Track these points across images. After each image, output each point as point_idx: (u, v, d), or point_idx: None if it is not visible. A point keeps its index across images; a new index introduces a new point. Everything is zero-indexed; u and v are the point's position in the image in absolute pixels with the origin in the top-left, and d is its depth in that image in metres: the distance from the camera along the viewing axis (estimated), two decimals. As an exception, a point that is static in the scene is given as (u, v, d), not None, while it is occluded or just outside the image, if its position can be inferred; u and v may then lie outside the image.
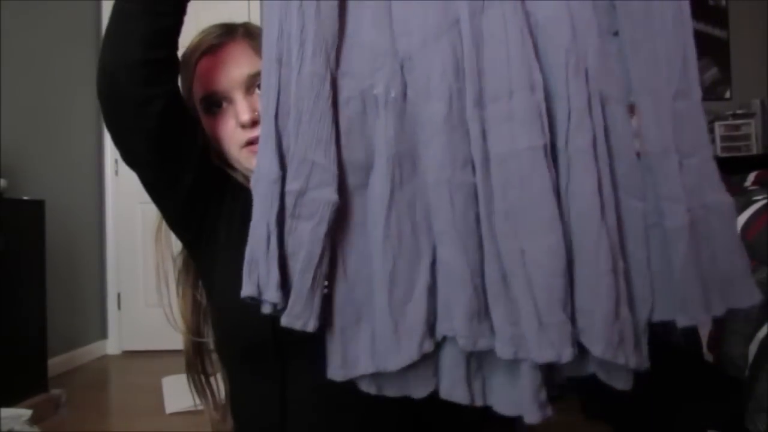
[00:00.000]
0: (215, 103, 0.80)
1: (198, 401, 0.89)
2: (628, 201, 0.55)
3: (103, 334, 3.42)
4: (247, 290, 0.55)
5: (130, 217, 3.43)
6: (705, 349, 1.01)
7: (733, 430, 0.93)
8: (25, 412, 1.81)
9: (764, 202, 1.04)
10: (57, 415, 2.25)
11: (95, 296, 3.38)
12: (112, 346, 3.43)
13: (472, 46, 0.54)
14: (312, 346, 0.67)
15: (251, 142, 0.78)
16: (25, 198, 2.39)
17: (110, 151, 3.46)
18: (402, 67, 0.56)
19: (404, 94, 0.56)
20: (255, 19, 3.41)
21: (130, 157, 0.76)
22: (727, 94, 3.40)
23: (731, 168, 2.48)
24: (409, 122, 0.57)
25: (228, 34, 0.82)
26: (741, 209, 1.07)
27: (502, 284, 0.53)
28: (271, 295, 0.55)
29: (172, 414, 2.24)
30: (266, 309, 0.57)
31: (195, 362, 0.89)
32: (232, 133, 0.79)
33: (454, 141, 0.54)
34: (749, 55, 3.37)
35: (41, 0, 2.92)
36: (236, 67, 0.79)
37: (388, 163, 0.56)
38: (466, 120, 0.54)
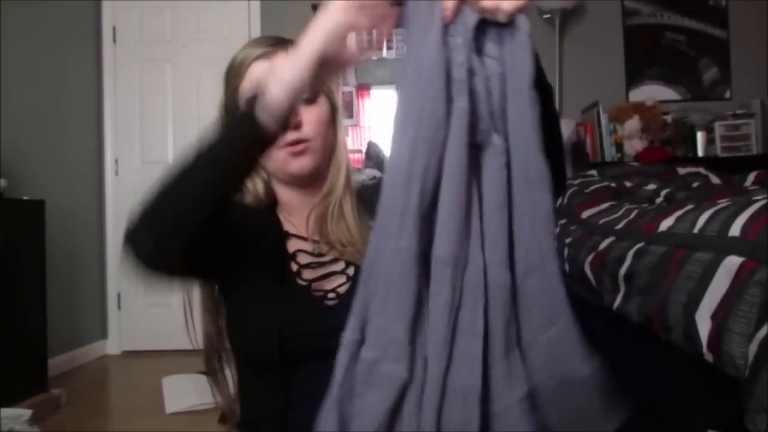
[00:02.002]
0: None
1: (218, 397, 0.92)
2: None
3: (103, 334, 3.42)
4: None
5: (130, 217, 3.43)
6: (705, 349, 1.01)
7: (733, 430, 0.93)
8: (25, 412, 1.81)
9: (764, 202, 1.04)
10: (57, 415, 2.25)
11: (95, 296, 3.38)
12: (112, 346, 3.43)
13: None
14: (316, 362, 0.72)
15: (289, 144, 0.84)
16: (25, 198, 2.39)
17: (110, 151, 3.47)
18: None
19: None
20: (255, 20, 3.41)
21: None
22: (727, 94, 3.40)
23: (731, 168, 2.49)
24: None
25: (280, 44, 0.86)
26: (741, 209, 1.07)
27: None
28: None
29: (172, 414, 2.24)
30: None
31: (212, 360, 0.91)
32: None
33: None
34: (749, 55, 3.37)
35: (41, 0, 2.93)
36: None
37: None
38: None
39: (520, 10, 0.59)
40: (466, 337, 0.57)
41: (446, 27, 0.60)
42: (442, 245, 0.58)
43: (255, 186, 0.90)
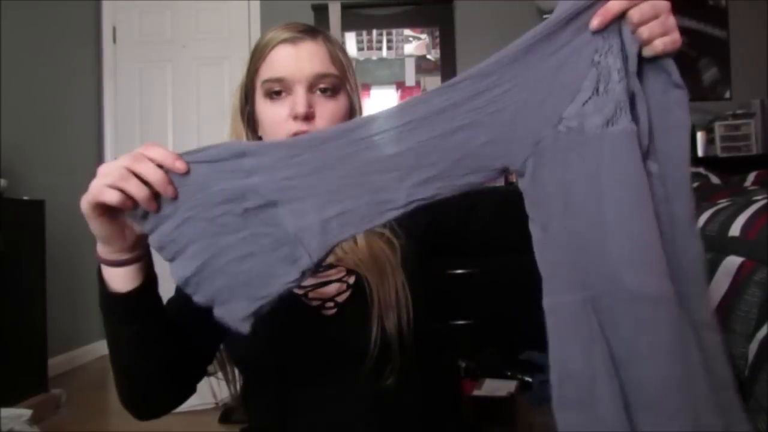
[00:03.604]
0: (276, 88, 0.81)
1: (233, 392, 0.92)
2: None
3: (103, 334, 3.41)
4: None
5: (130, 217, 3.43)
6: (705, 349, 1.01)
7: (733, 430, 0.93)
8: (25, 412, 1.81)
9: (764, 202, 1.04)
10: (57, 415, 2.25)
11: (95, 296, 3.36)
12: (112, 346, 3.43)
13: None
14: (313, 371, 0.74)
15: (297, 135, 0.79)
16: (25, 198, 2.39)
17: (110, 151, 3.47)
18: None
19: None
20: (255, 20, 3.41)
21: None
22: (727, 94, 3.40)
23: (731, 168, 2.49)
24: None
25: (310, 33, 0.83)
26: (741, 209, 1.07)
27: None
28: None
29: (172, 414, 2.24)
30: None
31: (224, 363, 0.91)
32: (282, 121, 0.80)
33: None
34: (749, 55, 3.36)
35: (41, 0, 2.92)
36: (308, 62, 0.80)
37: None
38: None
39: (672, 49, 0.55)
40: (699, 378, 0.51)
41: (594, 39, 0.54)
42: (641, 280, 0.52)
43: None
